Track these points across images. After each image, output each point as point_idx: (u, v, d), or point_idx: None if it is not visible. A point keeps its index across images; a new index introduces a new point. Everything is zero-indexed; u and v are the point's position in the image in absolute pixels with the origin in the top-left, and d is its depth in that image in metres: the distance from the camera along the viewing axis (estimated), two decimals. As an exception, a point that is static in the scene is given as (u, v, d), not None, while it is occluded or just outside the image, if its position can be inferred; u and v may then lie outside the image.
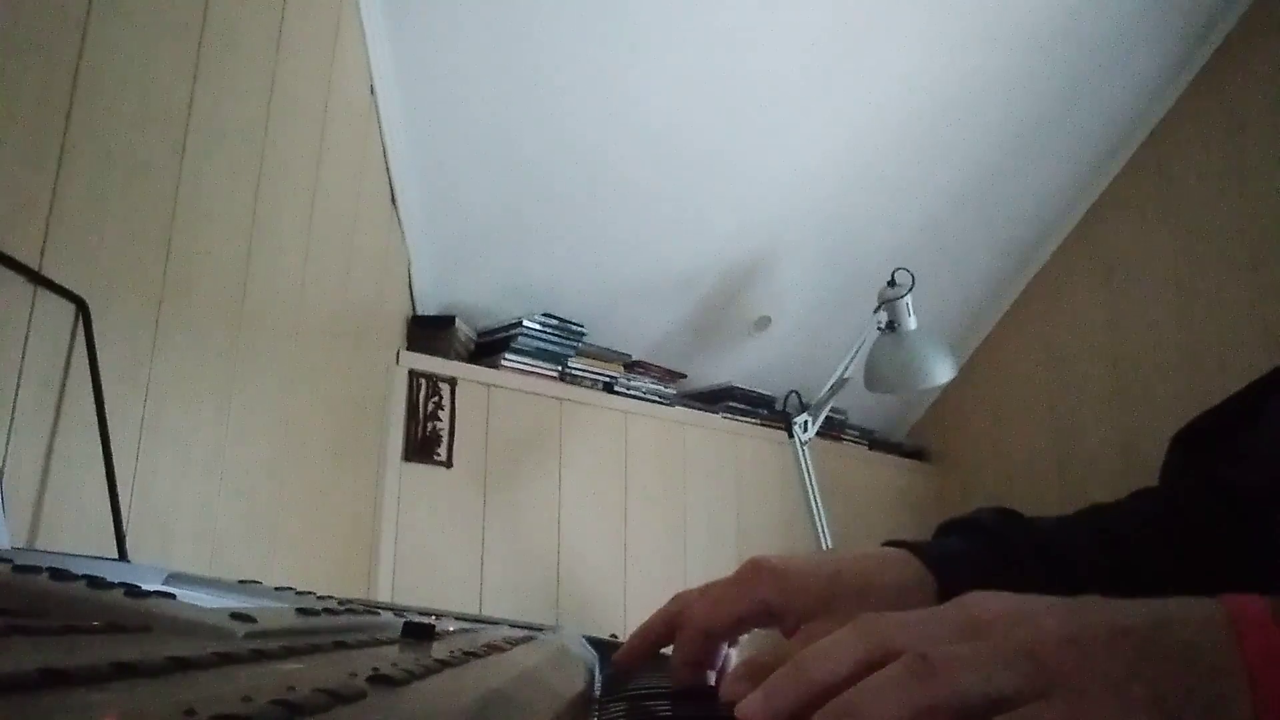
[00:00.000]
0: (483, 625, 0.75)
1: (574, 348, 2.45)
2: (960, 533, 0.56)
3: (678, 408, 2.71)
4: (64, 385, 1.03)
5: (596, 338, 2.52)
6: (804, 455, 2.37)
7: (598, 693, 0.56)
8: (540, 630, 0.79)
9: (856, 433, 3.24)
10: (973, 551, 0.54)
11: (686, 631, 0.52)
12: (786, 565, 0.51)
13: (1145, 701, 0.28)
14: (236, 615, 0.38)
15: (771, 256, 2.71)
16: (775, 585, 0.50)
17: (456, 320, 2.27)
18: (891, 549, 0.53)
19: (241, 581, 0.69)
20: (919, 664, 0.30)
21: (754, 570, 0.52)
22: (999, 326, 3.44)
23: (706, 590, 0.53)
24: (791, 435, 2.39)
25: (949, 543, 0.55)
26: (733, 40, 2.18)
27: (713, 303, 2.73)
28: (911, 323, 2.33)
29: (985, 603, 0.33)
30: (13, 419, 0.94)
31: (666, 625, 0.54)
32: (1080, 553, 0.54)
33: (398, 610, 0.72)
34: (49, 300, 1.00)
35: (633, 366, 2.65)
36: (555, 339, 2.39)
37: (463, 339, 2.31)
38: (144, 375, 1.18)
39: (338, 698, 0.22)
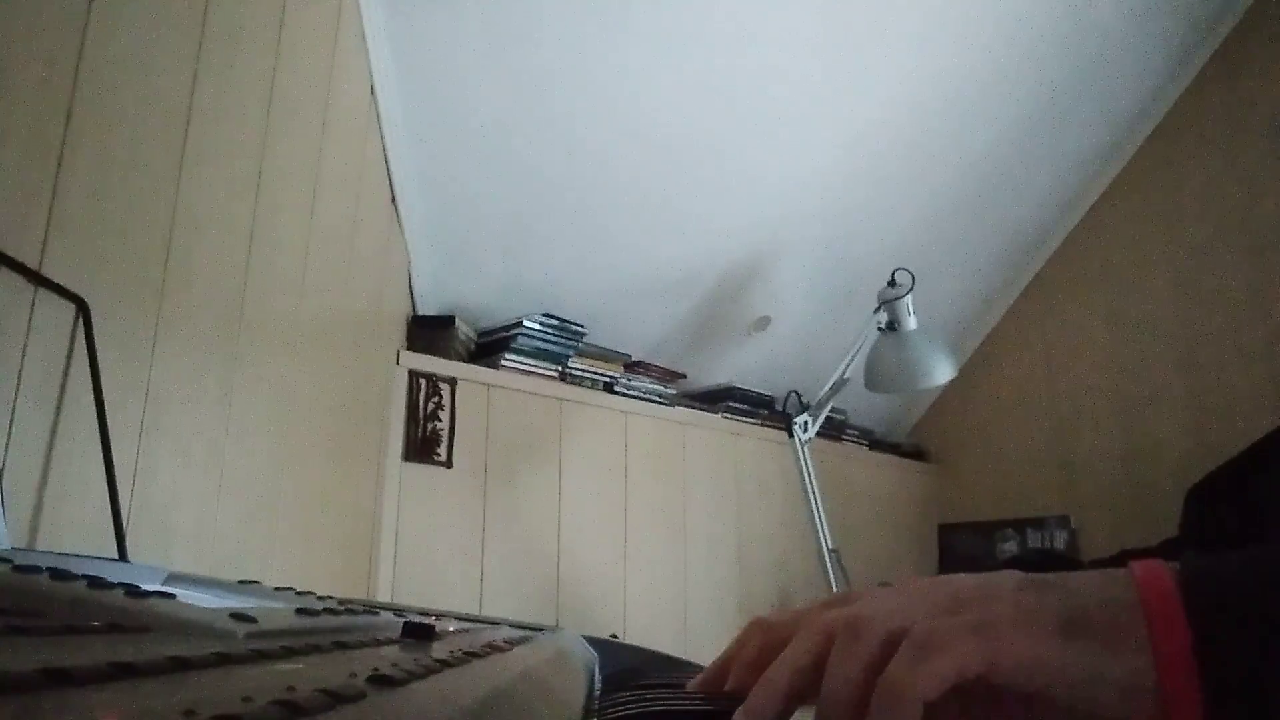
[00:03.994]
0: (483, 625, 0.75)
1: (574, 348, 2.45)
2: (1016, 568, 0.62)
3: (678, 408, 2.71)
4: (64, 385, 1.03)
5: (596, 338, 2.52)
6: (804, 455, 2.37)
7: (598, 692, 0.56)
8: (540, 630, 0.79)
9: (856, 433, 3.24)
10: None
11: (753, 636, 0.54)
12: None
13: (1051, 617, 0.33)
14: (236, 615, 0.38)
15: (771, 256, 2.71)
16: None
17: (456, 320, 2.27)
18: None
19: (241, 581, 0.69)
20: (848, 631, 0.36)
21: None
22: (999, 326, 3.44)
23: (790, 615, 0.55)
24: (792, 435, 2.39)
25: None
26: (733, 41, 2.18)
27: (713, 303, 2.73)
28: (911, 323, 2.33)
29: (914, 580, 0.40)
30: (13, 419, 0.94)
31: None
32: None
33: (398, 610, 0.72)
34: (49, 300, 1.00)
35: (633, 366, 2.65)
36: (555, 339, 2.39)
37: (463, 339, 2.31)
38: (144, 375, 1.18)
39: (338, 698, 0.22)
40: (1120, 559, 0.63)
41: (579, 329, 2.43)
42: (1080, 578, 0.35)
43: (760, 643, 0.50)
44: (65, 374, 1.03)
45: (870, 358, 2.36)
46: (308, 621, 0.45)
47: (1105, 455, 3.06)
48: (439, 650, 0.41)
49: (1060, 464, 3.19)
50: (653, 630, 2.46)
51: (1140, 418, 3.00)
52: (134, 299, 1.17)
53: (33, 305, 0.98)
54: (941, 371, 2.34)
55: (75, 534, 1.02)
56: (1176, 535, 0.66)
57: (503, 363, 2.31)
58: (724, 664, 0.52)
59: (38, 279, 0.98)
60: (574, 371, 2.47)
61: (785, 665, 0.38)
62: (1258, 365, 2.74)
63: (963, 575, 0.38)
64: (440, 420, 2.17)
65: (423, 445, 2.12)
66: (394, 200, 2.08)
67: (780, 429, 2.53)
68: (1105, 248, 3.17)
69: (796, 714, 0.39)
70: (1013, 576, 0.36)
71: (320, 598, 0.64)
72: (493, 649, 0.46)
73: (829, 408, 2.42)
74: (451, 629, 0.59)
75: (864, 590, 0.52)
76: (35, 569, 0.41)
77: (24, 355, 0.97)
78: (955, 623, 0.33)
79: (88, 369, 1.05)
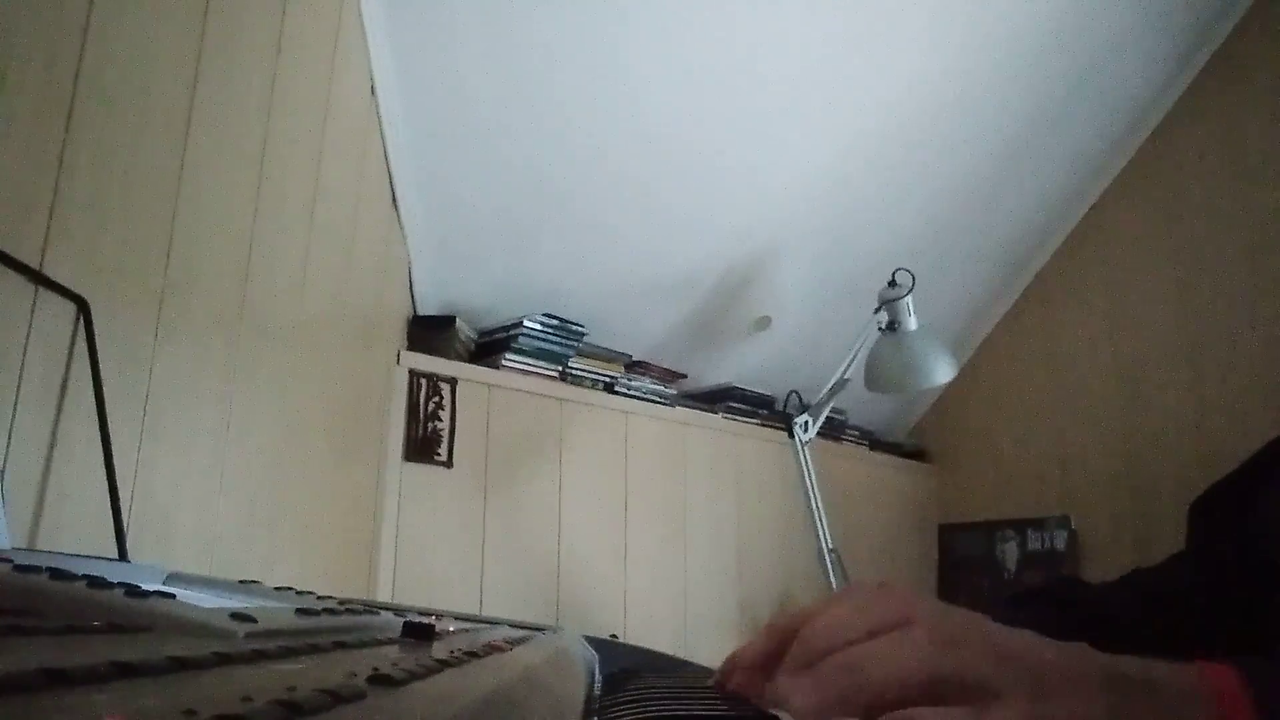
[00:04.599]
0: (483, 625, 0.75)
1: (574, 348, 2.45)
2: (1029, 603, 0.63)
3: (678, 408, 2.71)
4: (64, 385, 1.03)
5: (596, 338, 2.52)
6: (804, 455, 2.37)
7: (598, 692, 0.56)
8: (540, 630, 0.79)
9: (856, 433, 3.24)
10: (1040, 618, 0.58)
11: (771, 633, 0.53)
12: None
13: None
14: (236, 615, 0.38)
15: (771, 256, 2.71)
16: None
17: (457, 320, 2.27)
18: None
19: (241, 581, 0.69)
20: (940, 633, 0.34)
21: (855, 590, 0.54)
22: (999, 326, 3.44)
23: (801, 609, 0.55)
24: (792, 435, 2.39)
25: (1020, 614, 0.61)
26: (733, 40, 2.18)
27: (713, 303, 2.73)
28: (911, 323, 2.33)
29: (982, 623, 0.37)
30: (13, 419, 0.94)
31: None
32: (1130, 614, 0.61)
33: (398, 610, 0.72)
34: (50, 300, 1.00)
35: (633, 366, 2.65)
36: (555, 339, 2.39)
37: (463, 339, 2.31)
38: (144, 375, 1.18)
39: (338, 698, 0.22)
40: (1134, 578, 0.64)
41: (579, 329, 2.43)
42: (1160, 679, 0.34)
43: (774, 648, 0.50)
44: (66, 374, 1.03)
45: (870, 358, 2.36)
46: (308, 621, 0.45)
47: (1105, 456, 3.06)
48: (439, 650, 0.41)
49: (1060, 464, 3.19)
50: (653, 630, 2.46)
51: (1140, 418, 3.00)
52: (134, 299, 1.17)
53: (33, 305, 0.98)
54: (941, 371, 2.34)
55: (75, 534, 1.02)
56: (1183, 550, 0.66)
57: (503, 363, 2.31)
58: (748, 663, 0.52)
59: (38, 279, 0.98)
60: (574, 371, 2.47)
61: (831, 633, 0.37)
62: (1258, 365, 2.74)
63: (1041, 643, 0.36)
64: (440, 420, 2.17)
65: (423, 445, 2.12)
66: (394, 200, 2.08)
67: (780, 429, 2.53)
68: (1105, 248, 3.16)
69: None
70: (1095, 663, 0.35)
71: (320, 598, 0.64)
72: (493, 649, 0.46)
73: (829, 408, 2.42)
74: (451, 629, 0.59)
75: (900, 599, 0.51)
76: (35, 569, 0.41)
77: (25, 355, 0.97)
78: (1050, 714, 0.32)
79: (88, 369, 1.05)
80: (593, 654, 0.74)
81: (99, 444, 1.04)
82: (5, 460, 0.92)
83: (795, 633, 0.50)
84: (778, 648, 0.50)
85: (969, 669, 0.33)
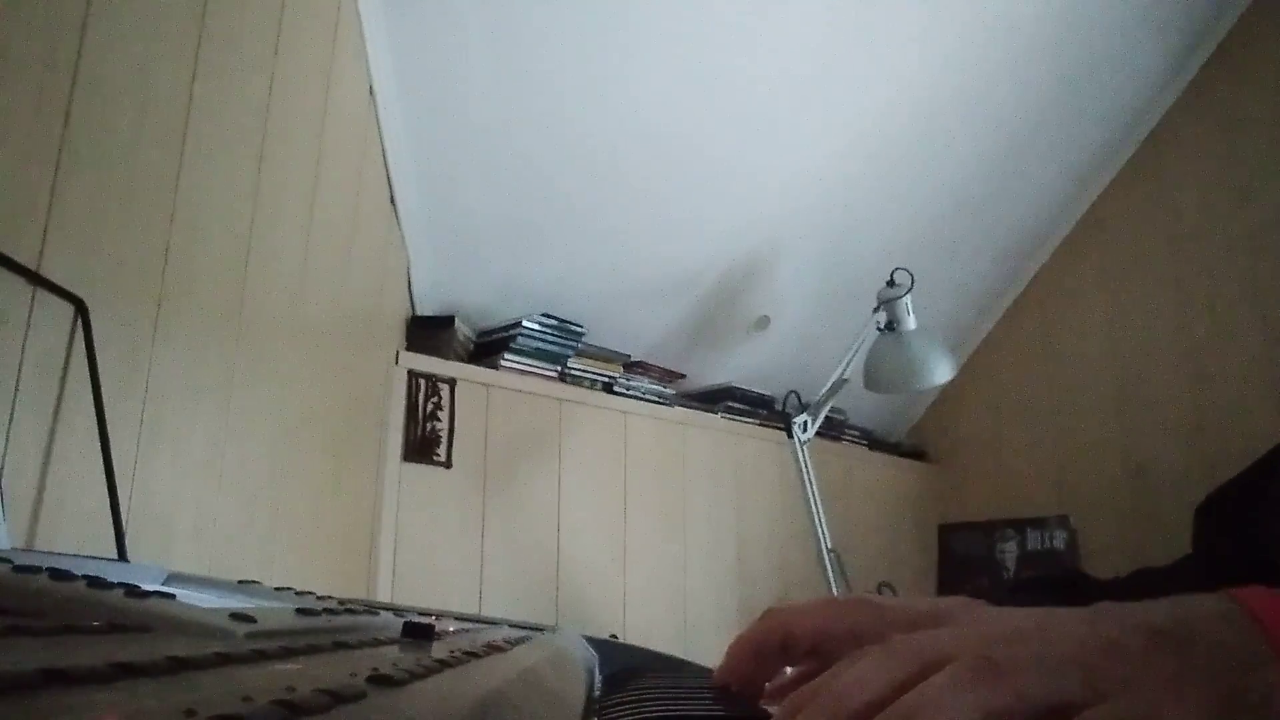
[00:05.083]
0: (483, 625, 0.75)
1: (573, 348, 2.45)
2: (1032, 589, 0.60)
3: (677, 408, 2.71)
4: (63, 385, 1.03)
5: (596, 338, 2.52)
6: (804, 455, 2.37)
7: (598, 692, 0.56)
8: (540, 630, 0.79)
9: (856, 433, 3.24)
10: (1045, 604, 0.58)
11: (765, 621, 0.51)
12: (884, 600, 0.52)
13: (1199, 700, 0.29)
14: (236, 615, 0.38)
15: (771, 256, 2.71)
16: (873, 613, 0.50)
17: (456, 320, 2.27)
18: (974, 599, 0.56)
19: (241, 581, 0.69)
20: (983, 664, 0.29)
21: (854, 598, 0.52)
22: (999, 326, 3.44)
23: (802, 602, 0.53)
24: (791, 435, 2.39)
25: (1024, 597, 0.58)
26: (733, 40, 2.18)
27: (713, 303, 2.73)
28: (911, 323, 2.33)
29: (1006, 616, 0.34)
30: (12, 419, 0.94)
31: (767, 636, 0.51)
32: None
33: (398, 610, 0.72)
34: (48, 301, 1.00)
35: (632, 366, 2.65)
36: (555, 339, 2.39)
37: (462, 339, 2.31)
38: (144, 375, 1.18)
39: (338, 698, 0.22)
40: (1140, 576, 0.63)
41: (578, 329, 2.43)
42: (1192, 622, 0.31)
43: (773, 644, 0.49)
44: (64, 374, 1.03)
45: (869, 358, 2.36)
46: (308, 621, 0.45)
47: (1105, 455, 3.06)
48: (439, 650, 0.41)
49: (1060, 464, 3.19)
50: (652, 630, 2.46)
51: (1140, 418, 3.00)
52: (133, 299, 1.17)
53: (31, 306, 0.98)
54: (941, 371, 2.34)
55: (75, 534, 1.02)
56: (1190, 553, 0.65)
57: (502, 363, 2.31)
58: (744, 653, 0.51)
59: (36, 279, 0.98)
60: (573, 372, 2.47)
61: (862, 687, 0.31)
62: (1258, 365, 2.75)
63: (1062, 619, 0.32)
64: (440, 420, 2.17)
65: (422, 445, 2.12)
66: (393, 200, 2.08)
67: (780, 429, 2.53)
68: (1104, 248, 3.17)
69: None
70: (1136, 626, 0.31)
71: (320, 598, 0.64)
72: (493, 649, 0.46)
73: (828, 408, 2.42)
74: (451, 629, 0.59)
75: (913, 604, 0.49)
76: (35, 569, 0.41)
77: (23, 356, 0.97)
78: (1133, 710, 0.29)
79: (86, 370, 1.05)
80: (593, 654, 0.74)
81: (98, 444, 1.04)
82: (4, 461, 0.91)
83: (789, 632, 0.50)
84: (776, 645, 0.49)
85: (1025, 692, 0.29)
